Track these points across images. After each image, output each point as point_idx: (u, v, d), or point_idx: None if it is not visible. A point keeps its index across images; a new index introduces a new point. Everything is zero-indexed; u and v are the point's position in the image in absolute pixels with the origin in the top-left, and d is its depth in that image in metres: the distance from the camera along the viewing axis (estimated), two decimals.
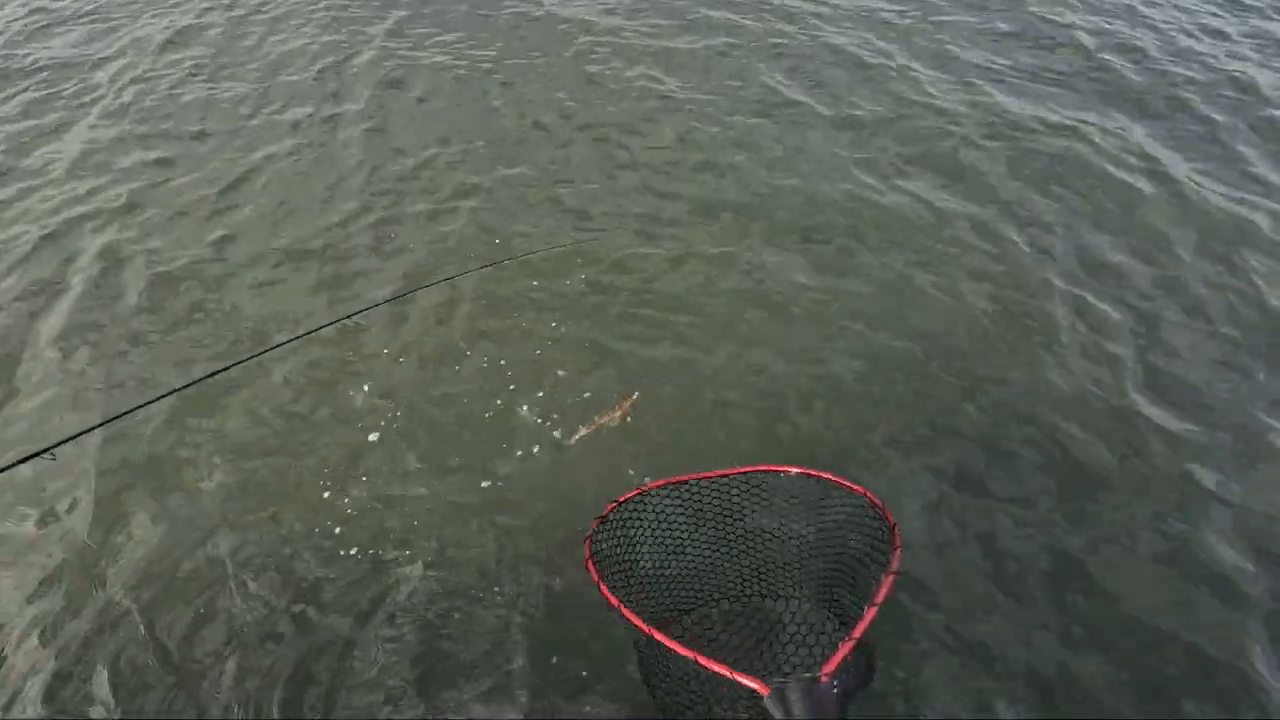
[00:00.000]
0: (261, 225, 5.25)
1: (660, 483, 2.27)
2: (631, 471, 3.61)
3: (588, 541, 2.06)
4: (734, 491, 2.31)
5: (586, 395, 3.98)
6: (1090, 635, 2.94)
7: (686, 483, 2.29)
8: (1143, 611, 3.02)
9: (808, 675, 1.62)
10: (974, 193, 5.25)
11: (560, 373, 4.10)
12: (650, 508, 2.29)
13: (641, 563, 2.25)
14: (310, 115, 6.30)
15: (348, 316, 3.32)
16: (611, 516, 2.18)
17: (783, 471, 2.21)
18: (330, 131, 6.11)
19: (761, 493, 2.30)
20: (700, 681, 1.87)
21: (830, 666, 1.65)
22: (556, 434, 3.79)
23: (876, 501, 2.05)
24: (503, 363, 4.18)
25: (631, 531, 2.24)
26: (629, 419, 3.82)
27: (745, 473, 2.26)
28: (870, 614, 1.79)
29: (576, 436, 3.76)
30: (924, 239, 4.87)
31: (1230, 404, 3.86)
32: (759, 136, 5.82)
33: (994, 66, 6.65)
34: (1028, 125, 5.85)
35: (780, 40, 7.00)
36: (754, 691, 1.61)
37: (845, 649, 1.69)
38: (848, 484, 2.12)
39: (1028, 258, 4.73)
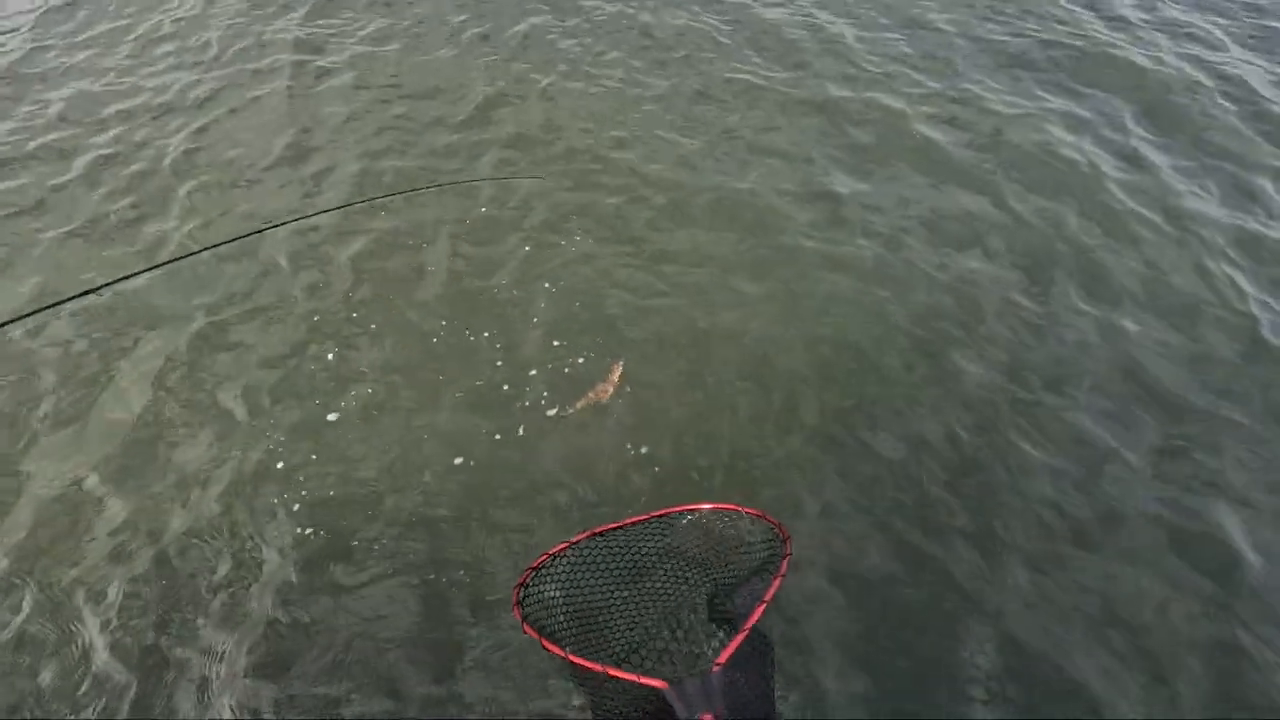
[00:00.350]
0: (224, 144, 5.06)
1: (584, 535, 2.45)
2: (628, 445, 3.35)
3: (516, 590, 2.20)
4: (652, 533, 2.50)
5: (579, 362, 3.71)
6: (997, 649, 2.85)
7: (607, 532, 2.49)
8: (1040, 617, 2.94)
9: (702, 668, 1.87)
10: (939, 181, 4.98)
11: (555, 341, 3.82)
12: (579, 557, 2.46)
13: (573, 605, 2.41)
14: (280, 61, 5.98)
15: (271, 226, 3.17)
16: (542, 568, 2.36)
17: (694, 510, 2.44)
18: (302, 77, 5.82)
19: (676, 530, 2.50)
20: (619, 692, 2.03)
21: (721, 659, 1.87)
22: (551, 412, 3.51)
23: (773, 520, 2.31)
24: (487, 334, 3.87)
25: (560, 581, 2.41)
26: (626, 386, 3.54)
27: (661, 515, 2.45)
28: (759, 610, 1.99)
29: (570, 411, 3.48)
30: (882, 224, 4.61)
31: (1163, 409, 3.62)
32: (710, 115, 5.50)
33: (969, 50, 6.37)
34: (993, 111, 5.59)
35: (749, 16, 6.70)
36: (658, 689, 1.83)
37: (735, 642, 1.91)
38: (750, 510, 2.37)
39: (989, 247, 4.50)
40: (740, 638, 1.92)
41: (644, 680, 1.84)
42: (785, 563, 2.15)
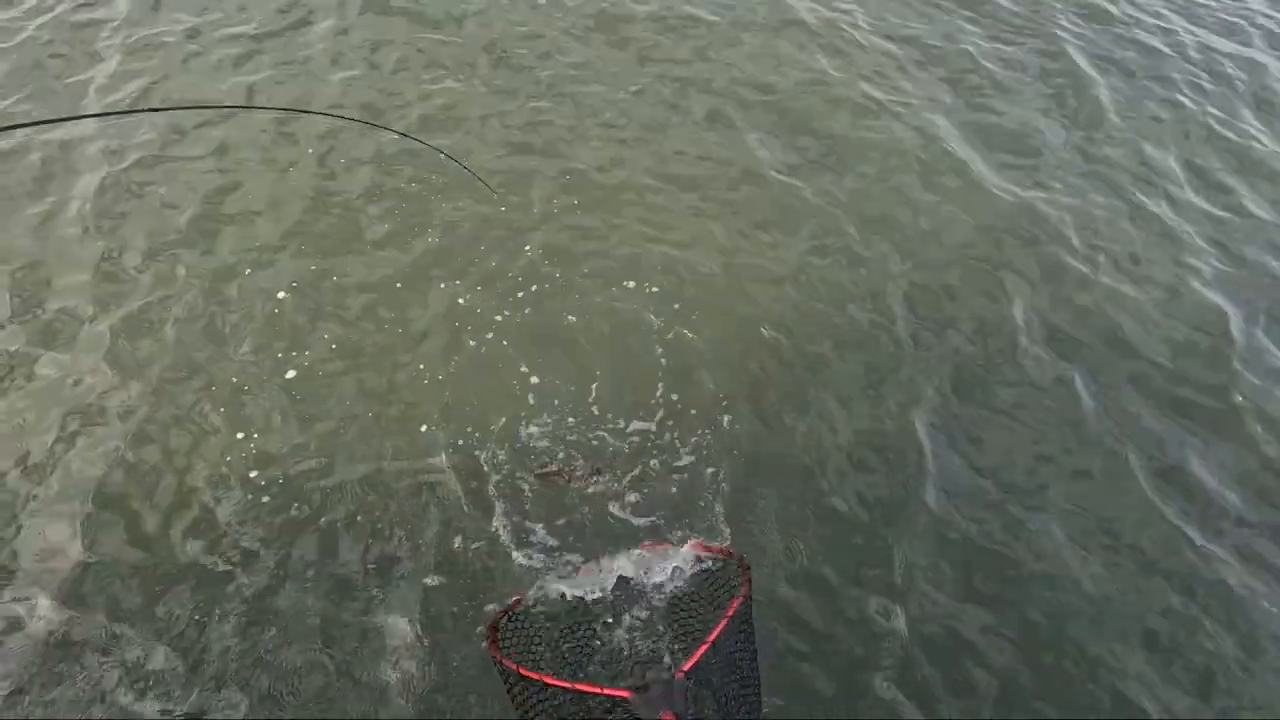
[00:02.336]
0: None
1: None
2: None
3: (492, 640, 2.30)
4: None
5: None
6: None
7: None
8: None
9: (666, 676, 1.96)
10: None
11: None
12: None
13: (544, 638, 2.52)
14: None
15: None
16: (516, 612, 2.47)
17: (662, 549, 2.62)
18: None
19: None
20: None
21: (685, 666, 1.99)
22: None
23: (732, 554, 2.47)
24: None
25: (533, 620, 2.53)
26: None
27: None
28: (720, 625, 2.12)
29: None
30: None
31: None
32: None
33: None
34: None
35: None
36: (623, 699, 1.93)
37: (698, 653, 2.04)
38: (714, 549, 2.56)
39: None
40: (702, 649, 2.05)
41: (609, 692, 1.96)
42: (746, 587, 2.29)
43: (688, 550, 2.56)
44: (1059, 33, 6.01)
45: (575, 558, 2.93)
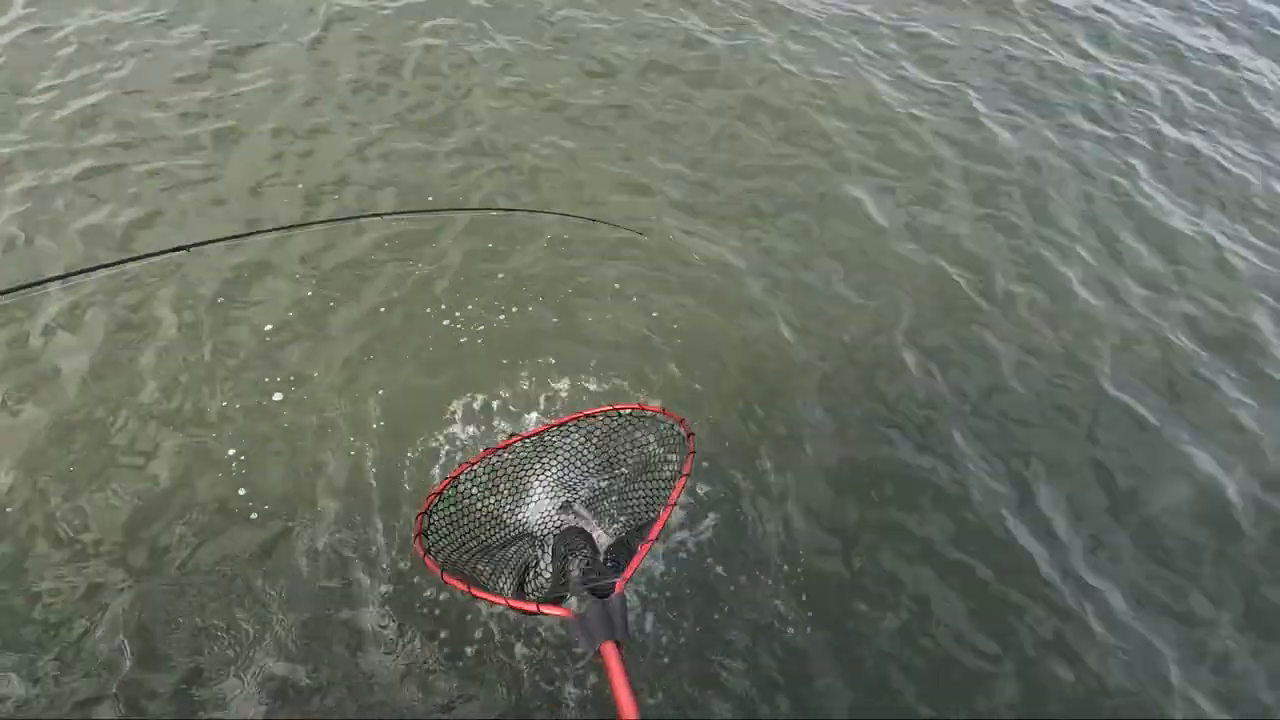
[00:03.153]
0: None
1: (480, 456, 2.27)
2: None
3: (418, 531, 2.06)
4: (550, 443, 2.33)
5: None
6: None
7: (506, 447, 2.30)
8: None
9: (603, 592, 1.72)
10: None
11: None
12: (476, 480, 2.29)
13: (477, 529, 2.27)
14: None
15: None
16: (441, 496, 2.19)
17: (593, 415, 2.26)
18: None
19: (584, 436, 2.33)
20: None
21: (625, 576, 1.78)
22: None
23: (676, 417, 2.12)
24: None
25: (463, 504, 2.26)
26: None
27: (561, 424, 2.30)
28: (663, 518, 1.89)
29: None
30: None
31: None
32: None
33: None
34: None
35: None
36: (562, 618, 1.75)
37: (636, 561, 1.80)
38: (652, 409, 2.16)
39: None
40: (642, 553, 1.82)
41: (546, 610, 1.77)
42: (689, 461, 1.98)
43: (627, 411, 2.20)
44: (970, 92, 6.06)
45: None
